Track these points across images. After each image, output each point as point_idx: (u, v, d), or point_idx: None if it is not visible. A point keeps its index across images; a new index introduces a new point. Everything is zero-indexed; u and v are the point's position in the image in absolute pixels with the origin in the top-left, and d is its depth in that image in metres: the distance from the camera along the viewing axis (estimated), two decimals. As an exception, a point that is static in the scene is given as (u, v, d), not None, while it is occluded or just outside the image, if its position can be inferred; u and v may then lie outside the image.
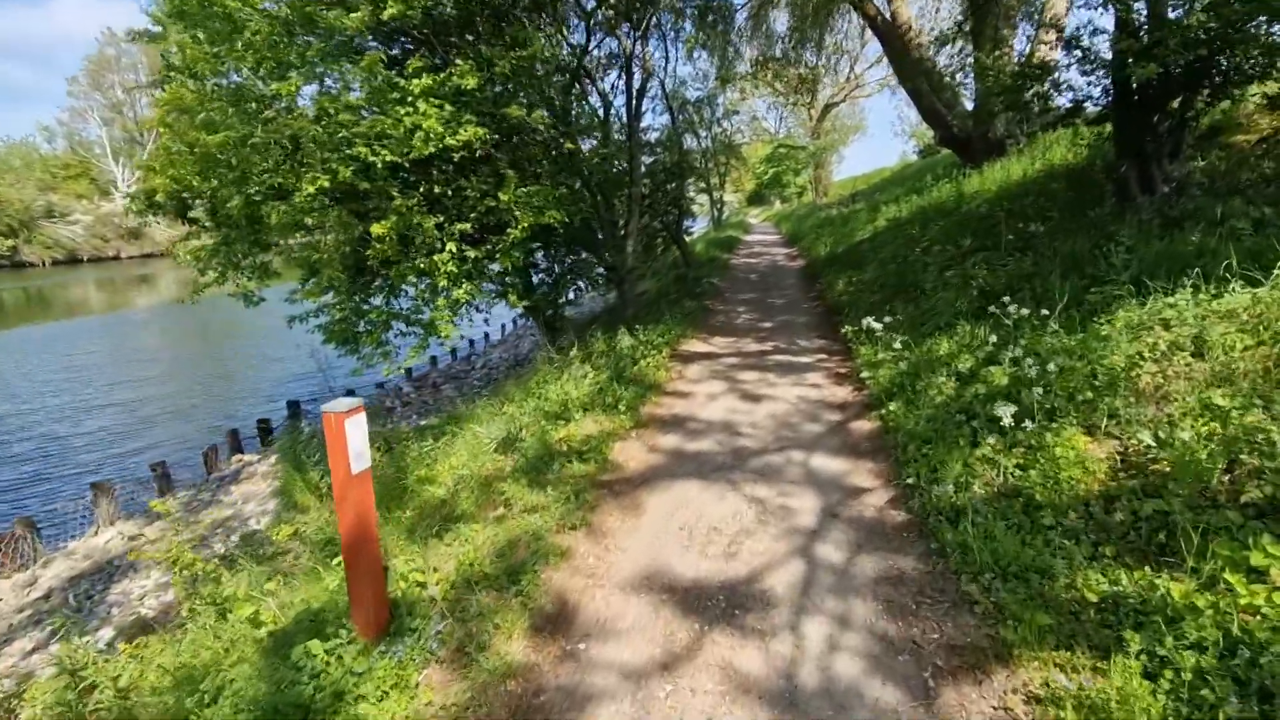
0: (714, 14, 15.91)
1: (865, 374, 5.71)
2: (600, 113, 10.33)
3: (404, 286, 6.48)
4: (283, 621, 3.11)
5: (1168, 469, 2.89)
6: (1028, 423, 3.52)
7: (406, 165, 5.98)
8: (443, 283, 6.26)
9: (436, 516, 4.35)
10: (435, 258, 6.09)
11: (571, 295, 9.99)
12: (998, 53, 13.74)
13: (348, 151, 4.69)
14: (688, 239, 18.54)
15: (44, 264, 43.48)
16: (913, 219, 11.93)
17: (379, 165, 4.82)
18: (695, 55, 16.72)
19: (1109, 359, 3.74)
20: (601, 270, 10.75)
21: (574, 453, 4.94)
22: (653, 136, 14.66)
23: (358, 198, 5.74)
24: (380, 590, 2.88)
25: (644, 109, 15.49)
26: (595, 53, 11.72)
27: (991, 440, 3.70)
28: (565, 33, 8.61)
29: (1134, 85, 6.39)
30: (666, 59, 16.60)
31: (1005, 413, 3.47)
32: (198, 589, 3.32)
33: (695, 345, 8.28)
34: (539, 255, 9.90)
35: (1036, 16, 13.21)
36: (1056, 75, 6.75)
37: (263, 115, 4.60)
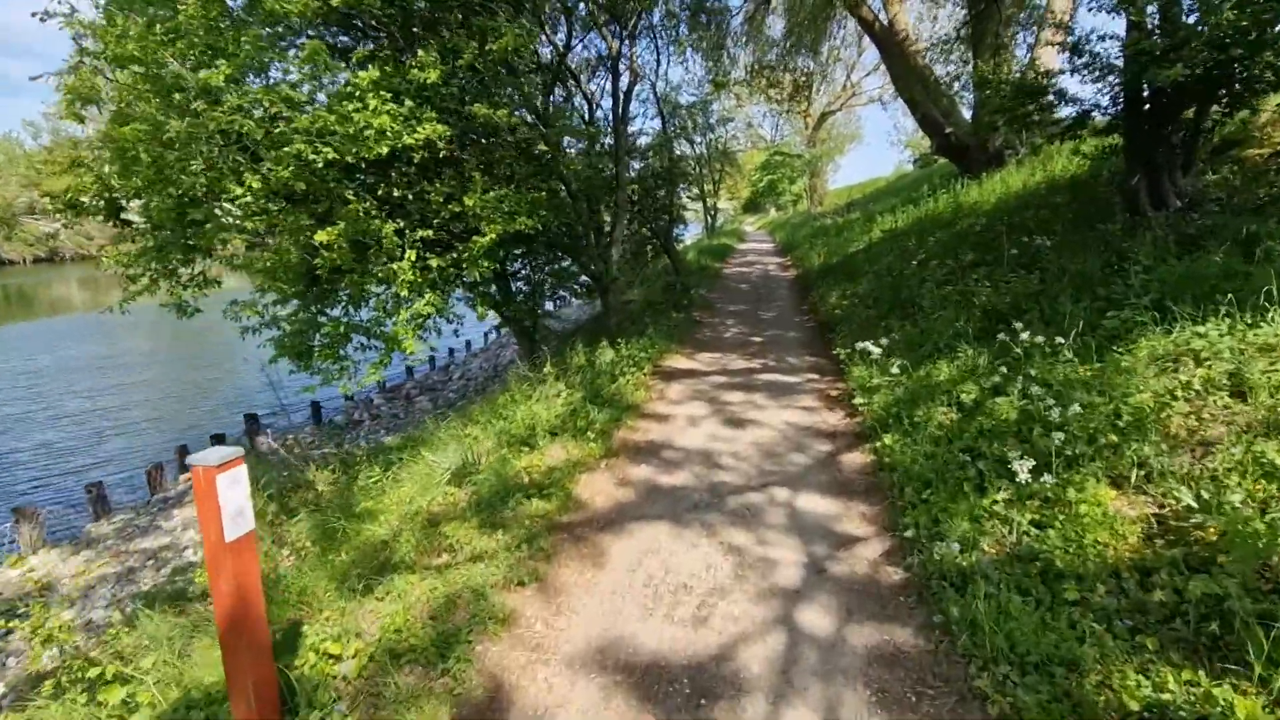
0: (707, 15, 15.59)
1: (859, 399, 5.25)
2: (585, 115, 9.89)
3: (364, 297, 5.99)
4: (161, 706, 2.60)
5: (1215, 538, 2.43)
6: (1044, 473, 3.05)
7: (362, 166, 5.51)
8: (404, 293, 5.77)
9: (374, 562, 3.85)
10: (394, 266, 5.60)
11: (553, 305, 9.49)
12: (996, 60, 13.44)
13: (286, 149, 4.21)
14: (679, 246, 18.13)
15: (25, 261, 42.64)
16: (909, 230, 11.53)
17: (320, 164, 4.34)
18: (688, 58, 16.39)
19: (1134, 396, 3.29)
20: (585, 279, 10.27)
21: (535, 486, 4.45)
22: (643, 141, 14.26)
23: (308, 200, 5.25)
24: (268, 675, 2.38)
25: (634, 113, 15.07)
26: (581, 53, 11.31)
27: (1002, 489, 3.24)
28: (546, 30, 8.16)
29: (1145, 93, 6.00)
30: (658, 61, 16.28)
31: (1022, 468, 2.99)
32: (68, 661, 2.80)
33: (679, 361, 7.81)
34: (519, 263, 9.42)
35: (1037, 22, 12.88)
36: (1059, 85, 6.35)
37: (189, 106, 4.11)
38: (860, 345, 5.57)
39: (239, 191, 4.08)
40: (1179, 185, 6.22)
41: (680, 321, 9.83)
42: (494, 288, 9.09)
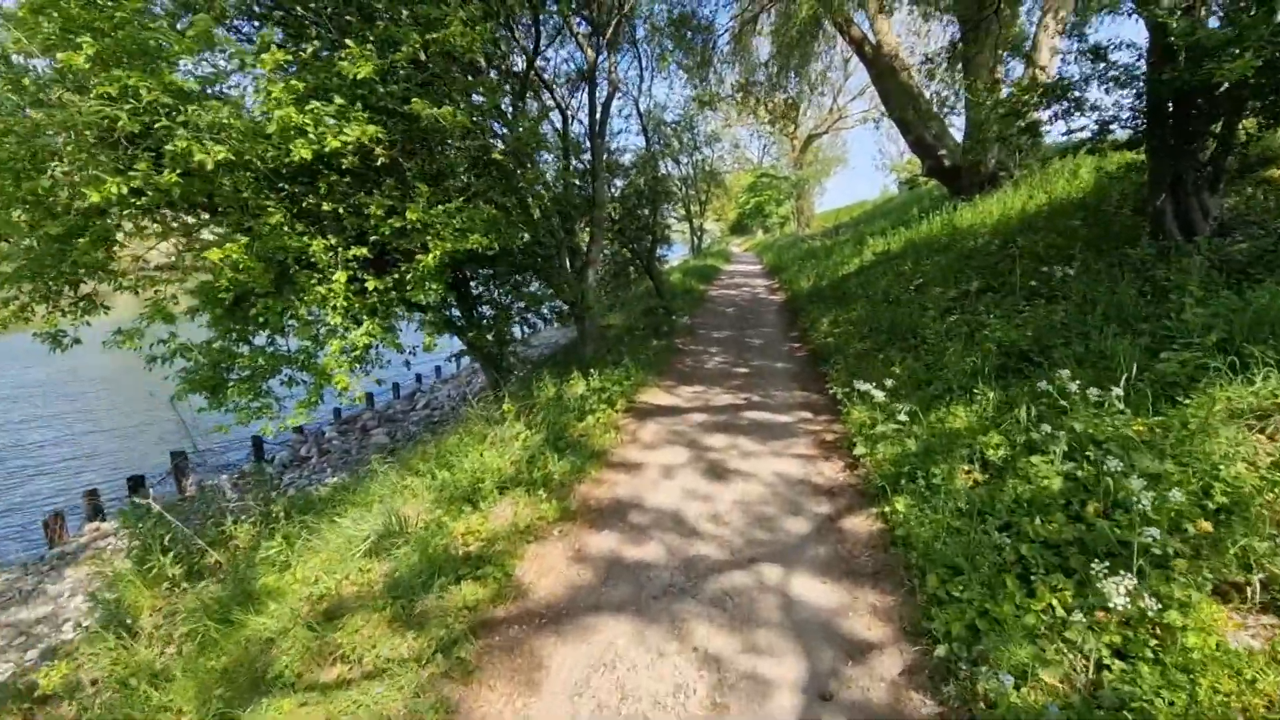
0: (692, 31, 15.15)
1: (860, 448, 4.50)
2: (560, 127, 9.22)
3: (284, 326, 5.16)
4: None
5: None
6: (1123, 575, 2.28)
7: (283, 172, 4.73)
8: (335, 320, 4.96)
9: (252, 671, 2.99)
10: (321, 288, 4.80)
11: (525, 330, 8.71)
12: (993, 78, 13.05)
13: (168, 147, 3.44)
14: (663, 268, 17.52)
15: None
16: (903, 253, 10.94)
17: (210, 165, 3.56)
18: (672, 74, 15.88)
19: (1227, 467, 2.56)
20: (560, 303, 9.53)
21: (470, 562, 3.62)
22: (627, 159, 13.66)
23: (216, 212, 4.46)
24: None
25: (615, 129, 14.51)
26: (560, 65, 10.72)
27: (1058, 586, 2.48)
28: (516, 34, 7.51)
29: (1170, 106, 5.43)
30: (641, 77, 15.75)
31: (1114, 589, 2.18)
32: None
33: (657, 396, 7.04)
34: (485, 286, 8.65)
35: (1036, 27, 12.52)
36: (1075, 93, 5.75)
37: (48, 95, 3.36)
38: (860, 386, 4.82)
39: (95, 198, 3.28)
40: (1206, 206, 5.63)
41: (660, 349, 9.08)
42: (455, 312, 8.31)
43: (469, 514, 4.29)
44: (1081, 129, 5.87)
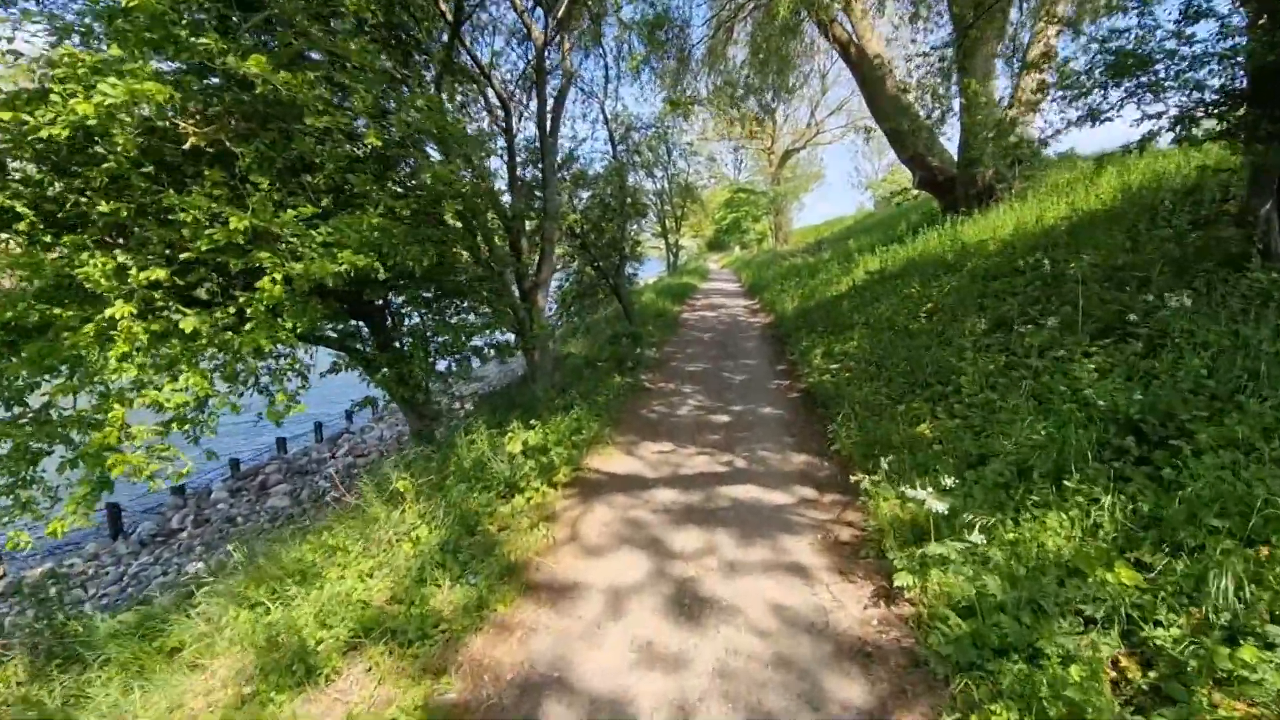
0: (666, 32, 13.85)
1: (903, 576, 2.98)
2: (503, 123, 7.72)
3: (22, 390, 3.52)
4: None
5: None
6: None
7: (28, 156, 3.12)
8: (121, 375, 3.34)
9: None
10: (87, 328, 3.18)
11: (452, 366, 7.09)
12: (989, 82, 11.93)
13: None
14: (635, 286, 16.04)
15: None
16: (903, 273, 9.61)
17: None
18: (644, 84, 14.53)
19: None
20: (505, 333, 7.97)
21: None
22: (598, 169, 12.21)
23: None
24: None
25: (581, 136, 13.06)
26: (510, 68, 9.25)
27: None
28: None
29: None
30: (607, 78, 14.32)
31: None
32: None
33: (613, 459, 5.48)
34: (409, 313, 7.04)
35: (1031, 33, 11.43)
36: (1145, 76, 4.40)
37: None
38: (908, 490, 3.30)
39: None
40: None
41: (623, 389, 7.54)
42: (368, 346, 6.68)
43: (294, 695, 2.67)
44: (1152, 118, 4.54)
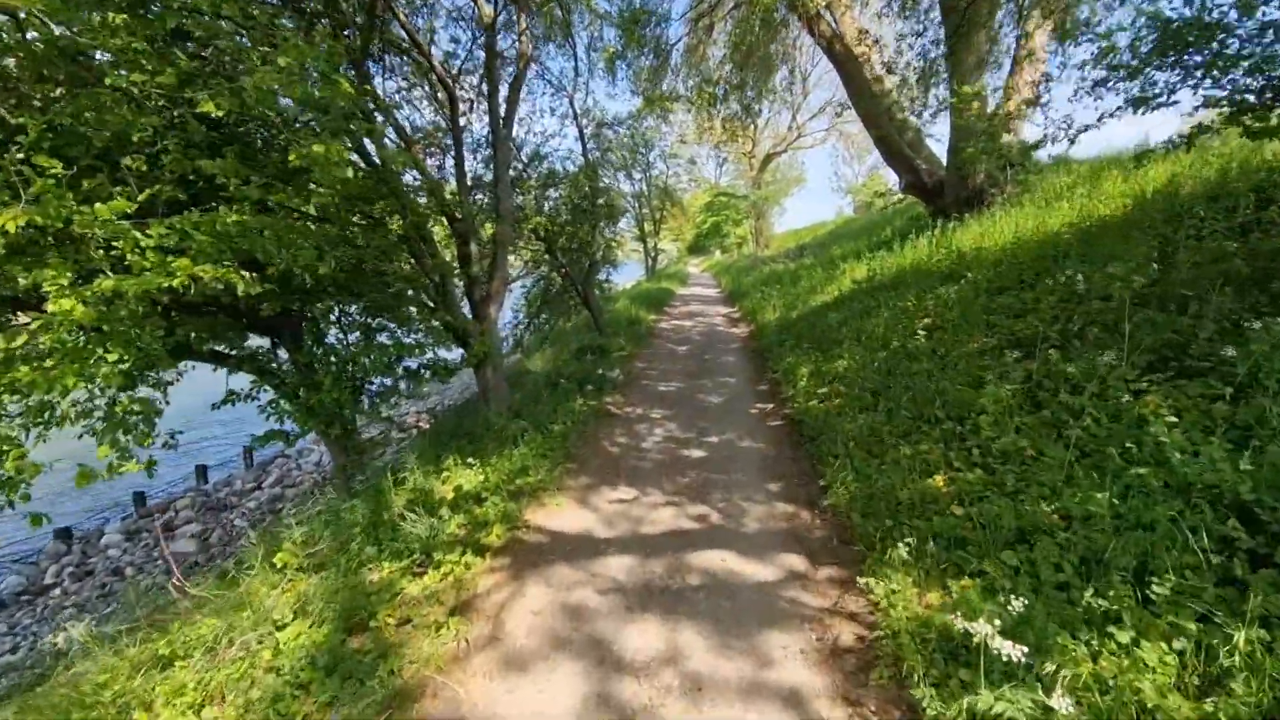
0: (645, 25, 12.99)
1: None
2: (448, 111, 6.77)
3: None
4: None
5: None
6: None
7: None
8: None
9: None
10: None
11: (383, 388, 6.11)
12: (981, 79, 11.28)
13: None
14: (609, 292, 15.12)
15: None
16: (895, 283, 8.84)
17: None
18: (618, 75, 13.63)
19: None
20: (453, 349, 7.01)
21: None
22: (570, 167, 11.29)
23: None
24: None
25: (550, 132, 12.12)
26: (463, 48, 8.30)
27: None
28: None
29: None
30: (577, 71, 13.38)
31: None
32: None
33: (561, 511, 4.54)
34: (328, 330, 6.04)
35: (1020, 29, 10.76)
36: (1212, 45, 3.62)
37: None
38: (965, 626, 2.40)
39: None
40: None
41: (585, 414, 6.62)
42: (282, 367, 5.68)
43: None
44: (1214, 104, 3.75)
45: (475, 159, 7.76)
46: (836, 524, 3.91)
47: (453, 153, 7.05)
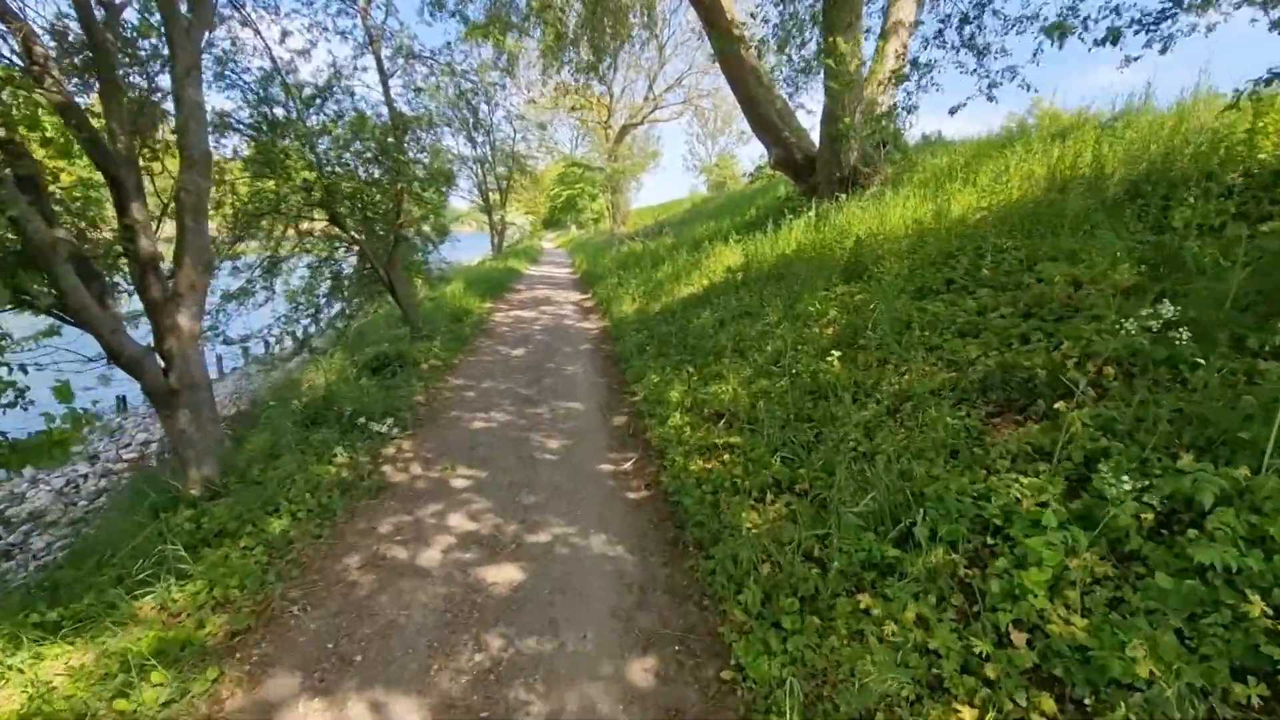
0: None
1: None
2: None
3: None
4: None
5: None
6: None
7: None
8: None
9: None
10: None
11: None
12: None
13: None
14: (438, 270, 12.12)
15: None
16: (778, 273, 7.22)
17: None
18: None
19: None
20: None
21: None
22: (364, 111, 8.20)
23: None
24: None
25: (343, 65, 8.66)
26: None
27: None
28: None
29: None
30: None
31: None
32: None
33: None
34: None
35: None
36: None
37: None
38: None
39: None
40: None
41: (341, 489, 4.11)
42: None
43: None
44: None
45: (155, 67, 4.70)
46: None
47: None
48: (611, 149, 35.99)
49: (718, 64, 11.90)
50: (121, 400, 11.17)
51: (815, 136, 10.80)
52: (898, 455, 2.95)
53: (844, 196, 9.54)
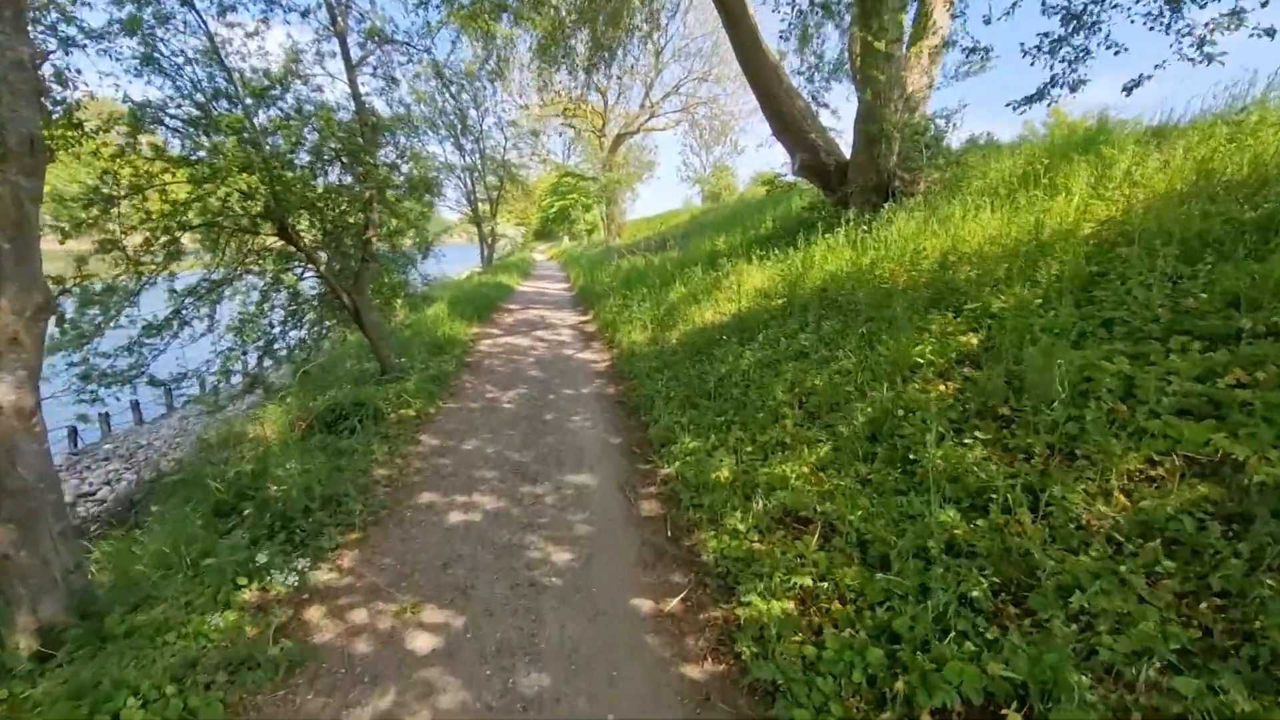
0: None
1: None
2: None
3: None
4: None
5: None
6: None
7: None
8: None
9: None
10: None
11: None
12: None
13: None
14: (422, 288, 10.64)
15: None
16: (830, 298, 5.83)
17: None
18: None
19: None
20: None
21: None
22: (331, 100, 6.75)
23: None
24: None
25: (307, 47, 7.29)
26: None
27: None
28: None
29: None
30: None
31: None
32: None
33: None
34: None
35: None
36: None
37: None
38: None
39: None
40: None
41: (241, 659, 2.65)
42: None
43: None
44: None
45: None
46: None
47: None
48: (606, 158, 34.72)
49: (738, 63, 10.57)
50: None
51: (841, 143, 9.54)
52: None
53: (886, 206, 8.18)
